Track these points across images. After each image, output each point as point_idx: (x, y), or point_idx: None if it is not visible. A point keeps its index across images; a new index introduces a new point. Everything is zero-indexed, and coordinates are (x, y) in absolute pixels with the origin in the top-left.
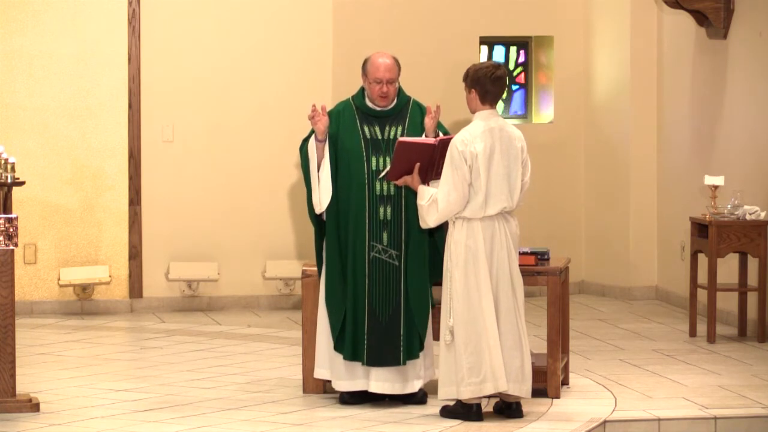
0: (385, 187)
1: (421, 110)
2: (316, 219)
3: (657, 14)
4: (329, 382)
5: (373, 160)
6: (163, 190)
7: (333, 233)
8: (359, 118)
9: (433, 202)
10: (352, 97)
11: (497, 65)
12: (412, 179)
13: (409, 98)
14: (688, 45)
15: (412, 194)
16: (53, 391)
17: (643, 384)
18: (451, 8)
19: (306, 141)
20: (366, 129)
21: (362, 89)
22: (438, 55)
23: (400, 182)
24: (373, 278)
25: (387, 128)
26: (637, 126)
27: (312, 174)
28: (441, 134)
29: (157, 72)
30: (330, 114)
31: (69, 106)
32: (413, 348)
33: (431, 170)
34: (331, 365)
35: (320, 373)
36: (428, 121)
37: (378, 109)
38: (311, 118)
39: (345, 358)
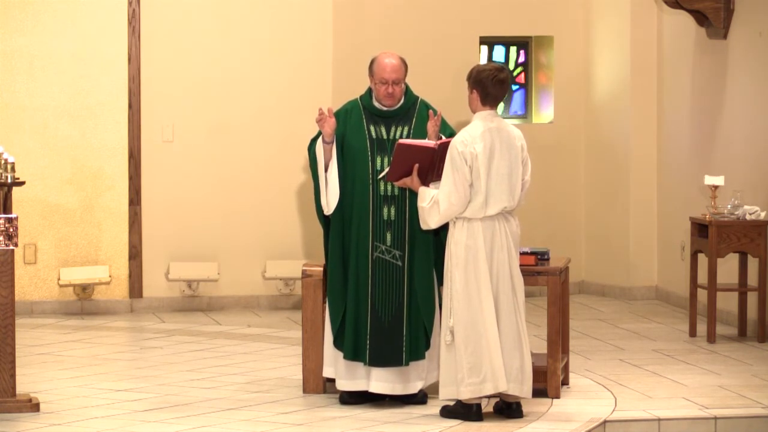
0: (389, 187)
1: (428, 111)
2: (324, 219)
3: (657, 14)
4: (331, 381)
5: (378, 160)
6: (163, 190)
7: (337, 232)
8: (366, 117)
9: (435, 204)
10: (360, 96)
11: (500, 68)
12: (411, 181)
13: (416, 98)
14: (688, 45)
15: (416, 195)
16: (53, 391)
17: (643, 384)
18: (451, 8)
19: (314, 141)
20: (372, 129)
21: (370, 89)
22: (438, 55)
23: (399, 183)
24: (376, 278)
25: (393, 128)
26: (637, 126)
27: (320, 175)
28: (444, 136)
29: (157, 72)
30: (338, 113)
31: (69, 106)
32: (418, 349)
33: (431, 172)
34: (335, 364)
35: (327, 371)
36: (430, 127)
37: (385, 109)
38: (318, 121)
39: (345, 357)
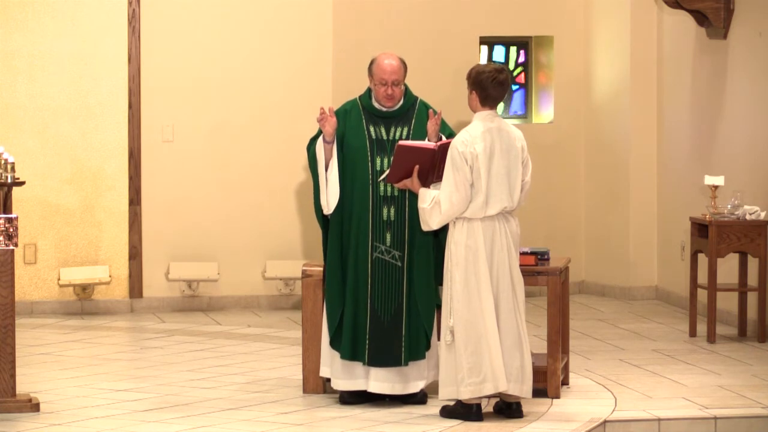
0: (388, 187)
1: (428, 111)
2: (323, 219)
3: (657, 14)
4: (330, 381)
5: (378, 160)
6: (163, 190)
7: (336, 232)
8: (365, 118)
9: (436, 204)
10: (360, 96)
11: (500, 69)
12: (411, 182)
13: (416, 99)
14: (688, 45)
15: (415, 195)
16: (53, 391)
17: (643, 384)
18: (451, 8)
19: (313, 141)
20: (372, 129)
21: (369, 89)
22: (438, 55)
23: (399, 185)
24: (376, 278)
25: (393, 129)
26: (637, 126)
27: (320, 175)
28: (444, 137)
29: (157, 72)
30: (337, 113)
31: (69, 106)
32: (417, 349)
33: (432, 174)
34: (331, 364)
35: (325, 371)
36: (430, 126)
37: (384, 109)
38: (320, 120)
39: (342, 357)
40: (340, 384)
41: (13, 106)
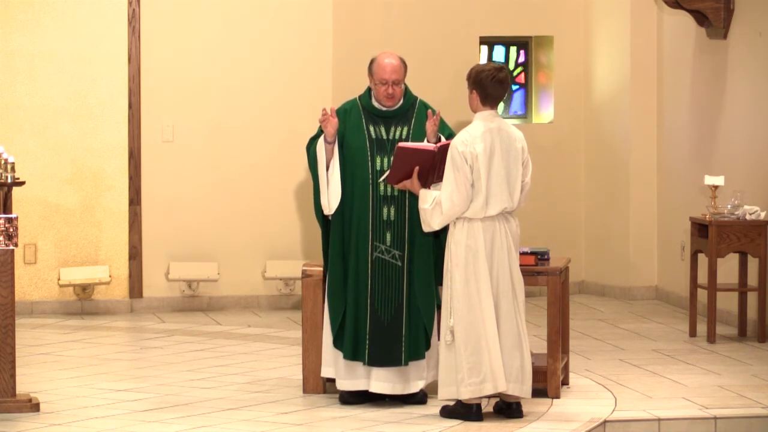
0: (388, 187)
1: (427, 111)
2: (323, 219)
3: (657, 14)
4: (330, 381)
5: (378, 160)
6: (163, 190)
7: (337, 232)
8: (365, 117)
9: (437, 205)
10: (359, 96)
11: (500, 68)
12: (411, 183)
13: (415, 99)
14: (688, 45)
15: (415, 195)
16: (53, 391)
17: (643, 384)
18: (451, 8)
19: (313, 140)
20: (372, 129)
21: (369, 89)
22: (438, 55)
23: (399, 186)
24: (376, 278)
25: (393, 128)
26: (637, 126)
27: (321, 175)
28: (444, 138)
29: (157, 72)
30: (337, 112)
31: (69, 106)
32: (417, 348)
33: (431, 175)
34: (335, 364)
35: (326, 371)
36: (429, 127)
37: (384, 109)
38: (322, 121)
39: (345, 357)
40: (344, 384)
41: (13, 106)
